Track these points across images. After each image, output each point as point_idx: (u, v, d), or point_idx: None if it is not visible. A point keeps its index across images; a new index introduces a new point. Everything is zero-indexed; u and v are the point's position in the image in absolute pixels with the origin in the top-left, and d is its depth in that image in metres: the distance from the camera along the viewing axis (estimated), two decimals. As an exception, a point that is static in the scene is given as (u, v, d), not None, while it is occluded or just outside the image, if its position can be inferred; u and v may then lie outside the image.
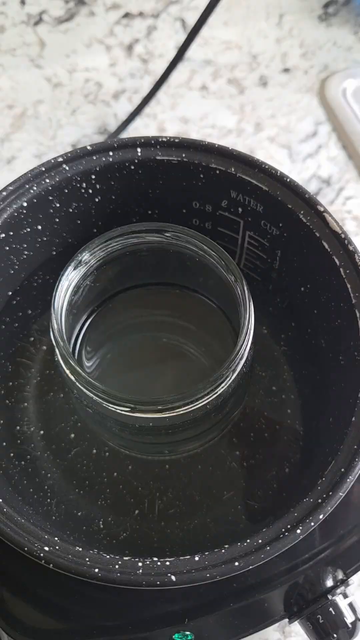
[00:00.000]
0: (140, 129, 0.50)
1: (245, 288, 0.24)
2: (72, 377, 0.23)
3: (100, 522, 0.29)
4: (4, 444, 0.29)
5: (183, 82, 0.53)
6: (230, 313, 0.31)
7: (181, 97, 0.52)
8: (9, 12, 0.48)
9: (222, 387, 0.23)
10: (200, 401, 0.22)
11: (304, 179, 0.49)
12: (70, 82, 0.53)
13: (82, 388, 0.23)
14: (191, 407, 0.22)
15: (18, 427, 0.30)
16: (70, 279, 0.25)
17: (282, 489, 0.30)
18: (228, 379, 0.23)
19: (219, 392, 0.23)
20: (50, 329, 0.24)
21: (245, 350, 0.23)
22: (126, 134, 0.50)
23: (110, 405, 0.22)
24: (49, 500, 0.29)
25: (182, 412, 0.22)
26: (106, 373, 0.31)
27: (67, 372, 0.23)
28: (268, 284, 0.32)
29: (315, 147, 0.50)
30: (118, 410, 0.22)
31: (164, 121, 0.51)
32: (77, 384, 0.23)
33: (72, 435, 0.31)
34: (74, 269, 0.25)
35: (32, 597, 0.29)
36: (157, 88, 0.48)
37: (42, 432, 0.31)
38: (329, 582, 0.30)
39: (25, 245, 0.29)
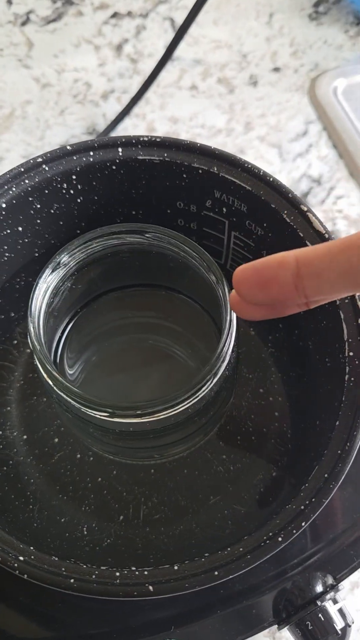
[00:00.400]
0: (129, 129, 0.50)
1: (227, 289, 0.23)
2: (50, 382, 0.23)
3: (84, 529, 0.28)
4: (-14, 449, 0.29)
5: (172, 82, 0.52)
6: (215, 314, 0.30)
7: (170, 96, 0.52)
8: (-5, 11, 0.48)
9: (204, 391, 0.22)
10: (181, 405, 0.22)
11: (294, 179, 0.48)
12: (59, 82, 0.52)
13: (60, 393, 0.22)
14: (171, 412, 0.22)
15: (0, 432, 0.30)
16: (48, 282, 0.25)
17: (268, 493, 0.29)
18: (209, 382, 0.22)
19: (200, 396, 0.22)
20: (28, 333, 0.24)
21: (227, 353, 0.23)
22: (115, 134, 0.49)
23: (89, 410, 0.22)
24: (31, 506, 0.28)
25: (162, 416, 0.22)
26: (90, 376, 0.30)
27: (45, 376, 0.23)
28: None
29: (306, 146, 0.50)
30: (97, 416, 0.22)
31: (153, 121, 0.50)
32: (55, 388, 0.22)
33: (56, 440, 0.30)
34: (52, 272, 0.25)
35: (17, 604, 0.29)
36: (146, 88, 0.47)
37: (25, 436, 0.30)
38: (319, 588, 0.30)
39: (6, 247, 0.28)
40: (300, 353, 0.30)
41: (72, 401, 0.22)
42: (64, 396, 0.22)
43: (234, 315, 0.23)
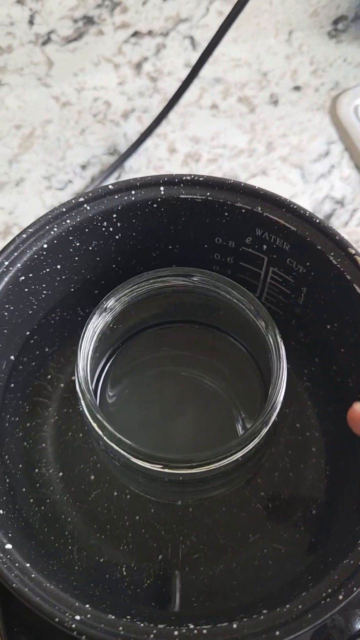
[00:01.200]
0: (151, 149, 0.50)
1: (278, 336, 0.23)
2: (99, 431, 0.22)
3: (123, 569, 0.28)
4: (23, 489, 0.28)
5: (193, 101, 0.52)
6: (256, 354, 0.30)
7: (191, 116, 0.52)
8: (17, 32, 0.47)
9: (255, 441, 0.22)
10: (233, 456, 0.22)
11: (317, 200, 0.48)
12: (79, 101, 0.52)
13: (109, 442, 0.22)
14: (224, 462, 0.22)
15: (37, 470, 0.30)
16: (95, 326, 0.25)
17: (308, 531, 0.29)
18: (262, 432, 0.22)
19: (252, 446, 0.22)
20: (76, 380, 0.23)
21: (278, 401, 0.22)
22: (137, 155, 0.49)
23: (140, 462, 0.22)
24: (70, 547, 0.28)
25: (213, 467, 0.22)
26: (129, 415, 0.30)
27: (94, 425, 0.22)
28: (291, 319, 0.32)
29: (328, 167, 0.49)
30: (148, 467, 0.22)
31: (174, 141, 0.50)
32: (104, 437, 0.22)
33: (92, 477, 0.30)
34: (99, 316, 0.25)
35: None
36: (169, 108, 0.47)
37: (60, 473, 0.30)
38: (358, 626, 0.29)
39: (44, 285, 0.28)
40: (338, 389, 0.30)
41: (122, 451, 0.22)
42: (113, 446, 0.22)
43: (285, 363, 0.23)
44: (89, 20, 0.49)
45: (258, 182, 0.48)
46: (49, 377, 0.32)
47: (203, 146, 0.50)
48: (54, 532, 0.28)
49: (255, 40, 0.55)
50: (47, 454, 0.30)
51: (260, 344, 0.24)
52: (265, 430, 0.22)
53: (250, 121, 0.52)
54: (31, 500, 0.29)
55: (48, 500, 0.29)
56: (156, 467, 0.21)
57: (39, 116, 0.51)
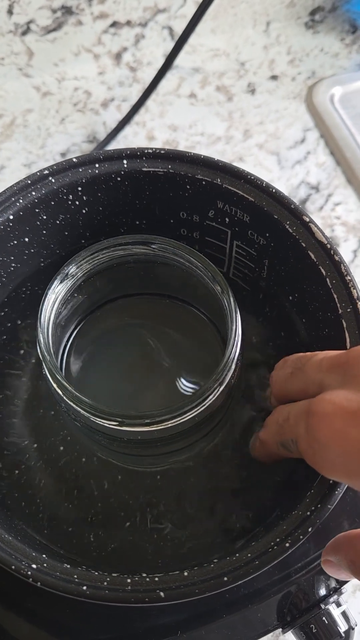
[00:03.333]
0: (130, 137, 0.50)
1: (232, 299, 0.24)
2: (59, 392, 0.23)
3: (91, 536, 0.29)
4: (-7, 457, 0.29)
5: (172, 90, 0.53)
6: (219, 323, 0.30)
7: (170, 104, 0.52)
8: (-4, 22, 0.48)
9: (210, 400, 0.23)
10: (188, 414, 0.22)
11: (293, 186, 0.49)
12: (59, 91, 0.53)
13: (69, 402, 0.23)
14: (179, 420, 0.22)
15: (6, 439, 0.30)
16: (57, 293, 0.25)
17: (273, 498, 0.30)
18: (215, 391, 0.23)
19: (206, 405, 0.23)
20: (37, 344, 0.24)
21: (232, 362, 0.23)
22: (115, 142, 0.50)
23: (98, 419, 0.22)
24: (40, 515, 0.29)
25: (170, 425, 0.22)
26: (94, 381, 0.30)
27: (55, 386, 0.23)
28: (257, 294, 0.32)
29: (304, 154, 0.50)
30: (105, 424, 0.22)
31: (153, 129, 0.51)
32: (64, 398, 0.23)
33: (62, 448, 0.31)
34: (61, 282, 0.25)
35: (26, 612, 0.29)
36: (146, 97, 0.48)
37: (34, 445, 0.31)
38: (322, 591, 0.30)
39: (13, 258, 0.29)
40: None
41: (81, 410, 0.23)
42: (74, 405, 0.23)
43: (239, 325, 0.24)
44: (67, 11, 0.49)
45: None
46: (22, 352, 0.32)
47: (181, 134, 0.51)
48: (24, 499, 0.29)
49: (233, 30, 0.56)
50: (19, 425, 0.31)
51: (219, 310, 0.25)
52: (219, 389, 0.23)
53: (228, 109, 0.52)
54: (0, 467, 0.29)
55: (19, 469, 0.30)
56: (112, 424, 0.22)
57: (19, 105, 0.52)
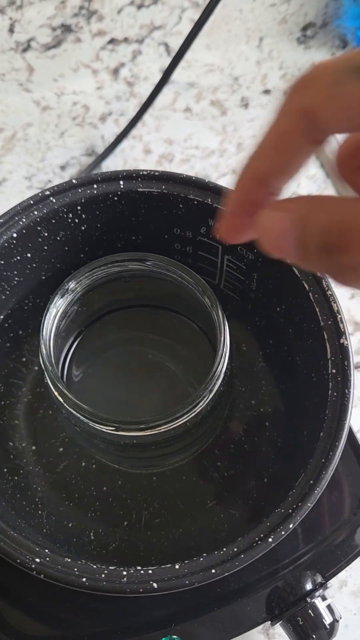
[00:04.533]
0: (127, 150, 0.52)
1: (221, 313, 0.26)
2: (60, 399, 0.25)
3: (91, 534, 0.31)
4: (-3, 460, 0.31)
5: (167, 104, 0.55)
6: (210, 334, 0.32)
7: (166, 118, 0.54)
8: (-2, 40, 0.50)
9: (200, 406, 0.25)
10: (180, 420, 0.24)
11: (284, 197, 0.51)
12: (59, 106, 0.54)
13: (70, 409, 0.25)
14: (172, 425, 0.24)
15: (10, 444, 0.32)
16: (57, 306, 0.27)
17: (261, 498, 0.31)
18: (205, 398, 0.25)
19: (197, 411, 0.25)
20: (39, 354, 0.26)
21: (221, 371, 0.25)
22: (113, 156, 0.51)
23: (97, 425, 0.24)
24: (40, 512, 0.30)
25: (163, 429, 0.24)
26: (93, 390, 0.32)
27: (56, 394, 0.25)
28: (247, 304, 0.34)
29: (295, 166, 0.52)
30: (103, 429, 0.24)
31: (149, 142, 0.53)
32: (65, 405, 0.25)
33: (61, 450, 0.32)
34: (61, 297, 0.27)
35: (27, 606, 0.31)
36: (143, 111, 0.49)
37: (33, 447, 0.32)
38: (308, 586, 0.32)
39: (16, 272, 0.31)
40: (289, 368, 0.32)
41: (81, 417, 0.24)
42: (74, 412, 0.25)
43: (227, 337, 0.26)
44: (66, 29, 0.51)
45: (228, 181, 0.51)
46: (24, 359, 0.34)
47: (176, 147, 0.53)
48: (25, 499, 0.31)
49: (227, 46, 0.58)
50: (20, 429, 0.33)
51: (209, 321, 0.27)
52: (209, 397, 0.25)
53: (222, 123, 0.54)
54: (5, 470, 0.31)
55: (21, 471, 0.32)
56: (110, 429, 0.24)
57: (20, 120, 0.53)
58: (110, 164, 0.51)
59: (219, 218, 0.18)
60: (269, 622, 0.32)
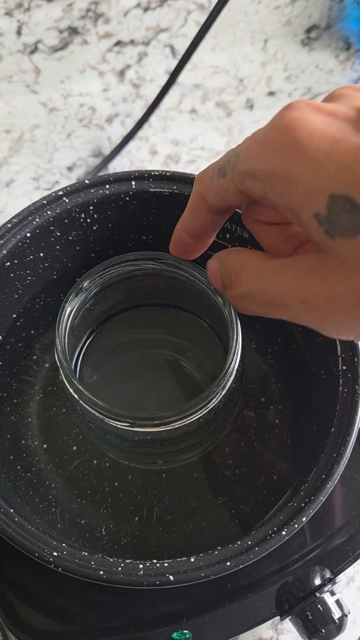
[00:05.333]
0: (133, 151, 0.53)
1: (233, 311, 0.26)
2: (75, 396, 0.25)
3: (102, 529, 0.31)
4: (11, 457, 0.31)
5: (173, 106, 0.55)
6: (221, 332, 0.33)
7: (172, 120, 0.55)
8: (5, 42, 0.50)
9: (213, 403, 0.25)
10: (193, 416, 0.25)
11: (289, 198, 0.51)
12: (65, 107, 0.55)
13: (85, 405, 0.25)
14: (185, 421, 0.24)
15: (23, 441, 0.32)
16: (72, 305, 0.27)
17: (271, 494, 0.32)
18: (218, 395, 0.25)
19: (210, 407, 0.25)
20: (55, 351, 0.26)
21: (233, 368, 0.25)
22: (120, 157, 0.52)
23: (111, 421, 0.24)
24: (53, 509, 0.31)
25: (176, 425, 0.24)
26: (106, 387, 0.33)
27: (71, 391, 0.25)
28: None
29: (300, 167, 0.53)
30: (118, 425, 0.25)
31: (155, 143, 0.53)
32: (80, 401, 0.25)
33: (74, 448, 0.33)
34: (76, 296, 0.28)
35: (38, 601, 0.31)
36: (149, 113, 0.50)
37: (45, 445, 0.33)
38: (317, 581, 0.32)
39: (29, 271, 0.31)
40: (297, 365, 0.33)
41: (95, 413, 0.25)
42: (89, 408, 0.25)
43: (240, 334, 0.26)
44: (73, 31, 0.52)
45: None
46: (35, 357, 0.35)
47: (182, 148, 0.53)
48: (38, 496, 0.31)
49: (232, 48, 0.59)
50: (32, 427, 0.33)
51: (221, 320, 0.27)
52: (221, 393, 0.25)
53: (227, 124, 0.55)
54: (18, 467, 0.31)
55: (34, 469, 0.32)
56: (125, 426, 0.24)
57: (27, 121, 0.54)
58: (117, 165, 0.52)
59: (170, 244, 0.25)
60: (279, 617, 0.32)
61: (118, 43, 0.55)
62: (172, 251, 0.25)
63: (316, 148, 0.16)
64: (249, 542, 0.23)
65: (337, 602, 0.32)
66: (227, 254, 0.21)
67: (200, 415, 0.25)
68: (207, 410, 0.25)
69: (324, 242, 0.16)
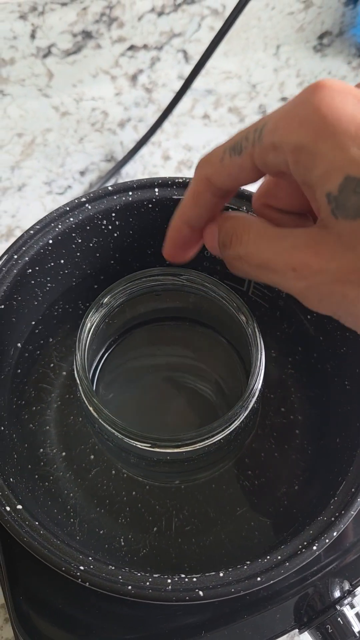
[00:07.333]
0: (146, 156, 0.52)
1: (257, 330, 0.26)
2: (94, 414, 0.25)
3: (121, 540, 0.30)
4: (29, 466, 0.31)
5: (186, 111, 0.55)
6: (240, 349, 0.32)
7: (184, 125, 0.55)
8: (19, 45, 0.50)
9: (235, 424, 0.25)
10: (215, 437, 0.24)
11: (303, 204, 0.51)
12: (78, 111, 0.55)
13: (103, 424, 0.25)
14: (207, 442, 0.24)
15: (41, 450, 0.32)
16: (92, 321, 0.27)
17: (292, 505, 0.31)
18: (241, 416, 0.25)
19: (232, 428, 0.25)
20: (75, 368, 0.26)
21: (256, 389, 0.25)
22: (132, 162, 0.52)
23: (132, 441, 0.24)
24: (72, 520, 0.30)
25: (198, 447, 0.24)
26: (121, 401, 0.32)
27: (90, 409, 0.25)
28: (276, 311, 0.34)
29: (314, 173, 0.52)
30: (138, 446, 0.24)
31: (168, 149, 0.53)
32: (99, 420, 0.25)
33: (92, 457, 0.32)
34: (96, 311, 0.27)
35: (55, 613, 0.31)
36: (163, 118, 0.50)
37: (63, 453, 0.32)
38: (337, 593, 0.32)
39: (49, 278, 0.31)
40: (318, 375, 0.33)
41: (115, 432, 0.24)
42: (108, 427, 0.24)
43: (263, 355, 0.26)
44: (87, 35, 0.51)
45: (247, 187, 0.51)
46: (52, 365, 0.34)
47: (195, 154, 0.53)
48: (57, 506, 0.30)
49: (245, 54, 0.59)
50: (50, 435, 0.33)
51: (242, 338, 0.27)
52: (244, 414, 0.25)
53: (240, 130, 0.54)
54: (36, 477, 0.31)
55: (51, 477, 0.32)
56: (145, 446, 0.24)
57: (39, 125, 0.54)
58: (130, 170, 0.52)
59: (164, 245, 0.25)
60: (297, 629, 0.32)
61: (131, 47, 0.55)
62: (168, 253, 0.25)
63: (344, 130, 0.16)
64: (279, 557, 0.23)
65: (357, 614, 0.31)
66: (231, 216, 0.22)
67: (222, 436, 0.24)
68: (229, 431, 0.25)
69: (327, 220, 0.17)
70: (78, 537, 0.30)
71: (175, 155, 0.53)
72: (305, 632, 0.32)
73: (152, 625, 0.31)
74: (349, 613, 0.31)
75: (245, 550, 0.30)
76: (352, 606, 0.32)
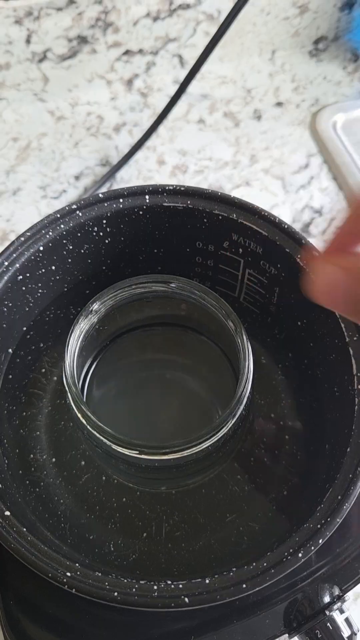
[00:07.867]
0: (141, 161, 0.53)
1: (245, 338, 0.26)
2: (83, 421, 0.25)
3: (111, 545, 0.31)
4: (20, 472, 0.31)
5: (181, 116, 0.55)
6: (231, 355, 0.32)
7: (179, 130, 0.55)
8: (14, 50, 0.50)
9: (223, 431, 0.25)
10: (203, 444, 0.24)
11: (297, 209, 0.51)
12: (73, 116, 0.55)
13: (92, 431, 0.25)
14: (195, 450, 0.24)
15: (32, 455, 0.32)
16: (81, 327, 0.27)
17: (281, 511, 0.32)
18: (229, 423, 0.25)
19: (220, 435, 0.25)
20: (63, 375, 0.26)
21: (244, 396, 0.25)
22: (127, 167, 0.52)
23: (119, 448, 0.24)
24: (62, 524, 0.30)
25: (186, 454, 0.24)
26: (112, 407, 0.32)
27: (79, 415, 0.25)
28: (266, 317, 0.34)
29: (308, 179, 0.53)
30: (126, 453, 0.24)
31: (163, 153, 0.53)
32: (87, 427, 0.25)
33: (83, 463, 0.32)
34: (85, 318, 0.27)
35: (46, 618, 0.31)
36: (158, 123, 0.50)
37: (54, 459, 0.33)
38: (326, 599, 0.32)
39: (40, 284, 0.31)
40: (309, 381, 0.33)
41: (103, 439, 0.24)
42: (96, 434, 0.25)
43: (252, 362, 0.26)
44: (82, 40, 0.52)
45: (242, 193, 0.51)
46: (44, 370, 0.34)
47: (190, 158, 0.53)
48: (47, 512, 0.31)
49: (240, 59, 0.59)
50: (41, 441, 0.33)
51: (232, 345, 0.27)
52: (232, 421, 0.25)
53: (235, 135, 0.55)
54: (27, 482, 0.31)
55: (42, 484, 0.32)
56: (133, 453, 0.24)
57: (34, 129, 0.54)
58: (125, 175, 0.52)
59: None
60: (287, 634, 0.32)
61: (126, 52, 0.55)
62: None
63: None
64: (265, 564, 0.23)
65: (347, 620, 0.31)
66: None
67: (209, 443, 0.25)
68: (217, 438, 0.25)
69: None
70: (69, 541, 0.30)
71: (170, 160, 0.53)
72: (295, 637, 0.32)
73: (142, 631, 0.31)
74: (339, 618, 0.31)
75: (234, 556, 0.30)
76: (342, 611, 0.32)
